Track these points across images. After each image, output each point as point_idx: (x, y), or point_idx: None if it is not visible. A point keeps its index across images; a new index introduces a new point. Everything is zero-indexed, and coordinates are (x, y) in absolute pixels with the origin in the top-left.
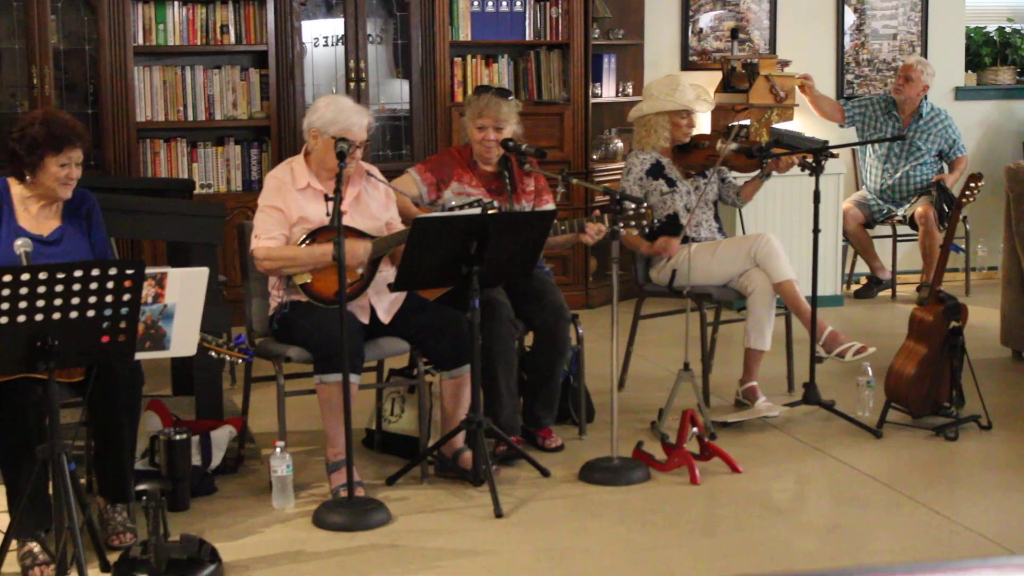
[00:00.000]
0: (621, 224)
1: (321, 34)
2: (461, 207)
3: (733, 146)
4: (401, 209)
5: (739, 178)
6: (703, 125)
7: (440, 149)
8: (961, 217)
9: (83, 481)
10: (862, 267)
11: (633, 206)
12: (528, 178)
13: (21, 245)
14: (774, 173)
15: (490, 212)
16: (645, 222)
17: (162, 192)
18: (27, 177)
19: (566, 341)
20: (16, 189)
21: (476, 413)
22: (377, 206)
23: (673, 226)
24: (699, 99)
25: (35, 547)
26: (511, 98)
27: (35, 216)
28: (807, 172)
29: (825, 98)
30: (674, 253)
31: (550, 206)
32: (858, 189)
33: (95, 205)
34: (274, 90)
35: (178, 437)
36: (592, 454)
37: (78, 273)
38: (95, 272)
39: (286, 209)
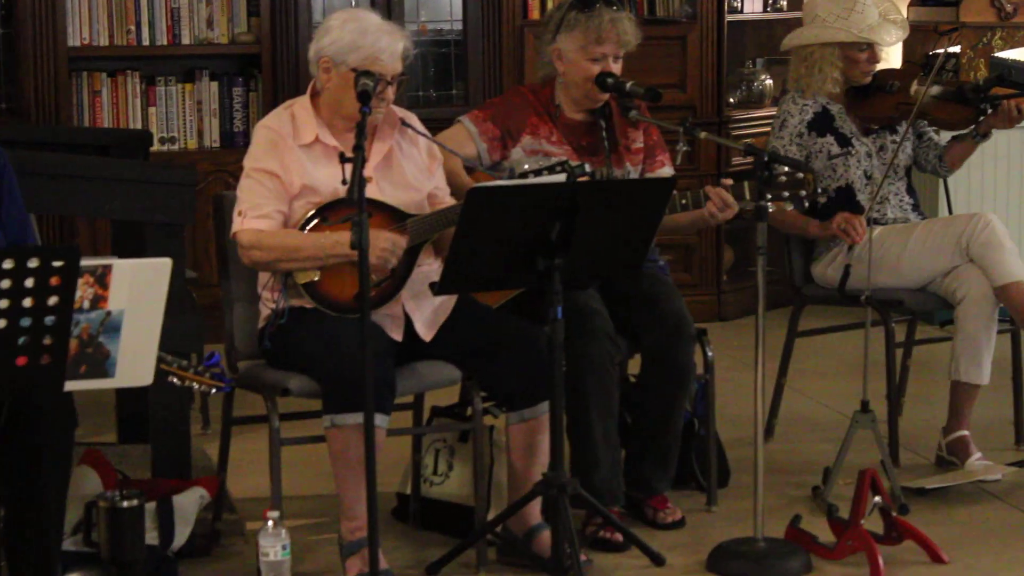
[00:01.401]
0: (769, 197)
1: None
2: (538, 172)
3: (936, 89)
4: (449, 176)
5: (944, 134)
6: (892, 57)
7: (506, 88)
8: None
9: None
10: None
11: (786, 171)
12: (635, 131)
13: None
14: (995, 130)
15: (580, 179)
16: (804, 192)
17: (105, 149)
18: None
19: (689, 369)
20: None
21: (559, 473)
22: (416, 170)
23: (847, 203)
24: (886, 23)
25: None
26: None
27: None
28: None
29: None
30: (861, 238)
31: (667, 170)
32: None
33: (6, 167)
34: (267, 3)
35: (126, 504)
36: (727, 534)
37: None
38: (7, 264)
39: (284, 174)
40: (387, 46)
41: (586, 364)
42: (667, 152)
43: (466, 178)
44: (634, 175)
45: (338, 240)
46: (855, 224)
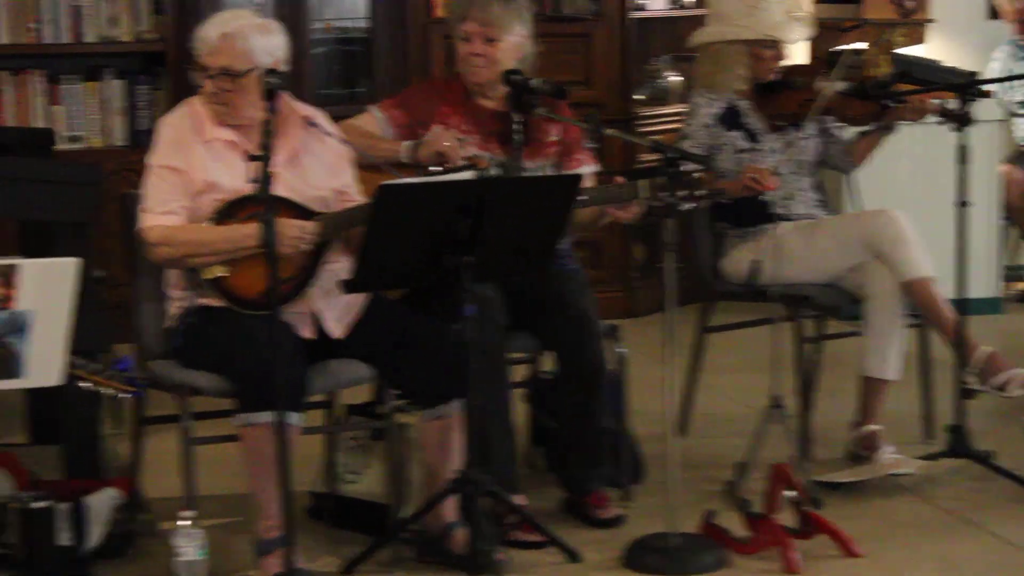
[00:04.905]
0: (668, 195)
1: None
2: (447, 171)
3: (840, 84)
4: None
5: (849, 130)
6: (798, 54)
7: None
8: None
9: None
10: None
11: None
12: (552, 125)
13: None
14: (900, 123)
15: (490, 174)
16: (700, 192)
17: (8, 148)
18: None
19: (599, 365)
20: None
21: (472, 470)
22: (323, 169)
23: (754, 199)
24: (791, 21)
25: None
26: None
27: None
28: (945, 122)
29: None
30: (773, 185)
31: (587, 168)
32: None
33: None
34: (172, 1)
35: (38, 505)
36: (642, 529)
37: None
38: None
39: (188, 170)
40: (201, 35)
41: (475, 352)
42: (586, 150)
43: (383, 147)
44: (548, 170)
45: (247, 232)
46: (764, 172)
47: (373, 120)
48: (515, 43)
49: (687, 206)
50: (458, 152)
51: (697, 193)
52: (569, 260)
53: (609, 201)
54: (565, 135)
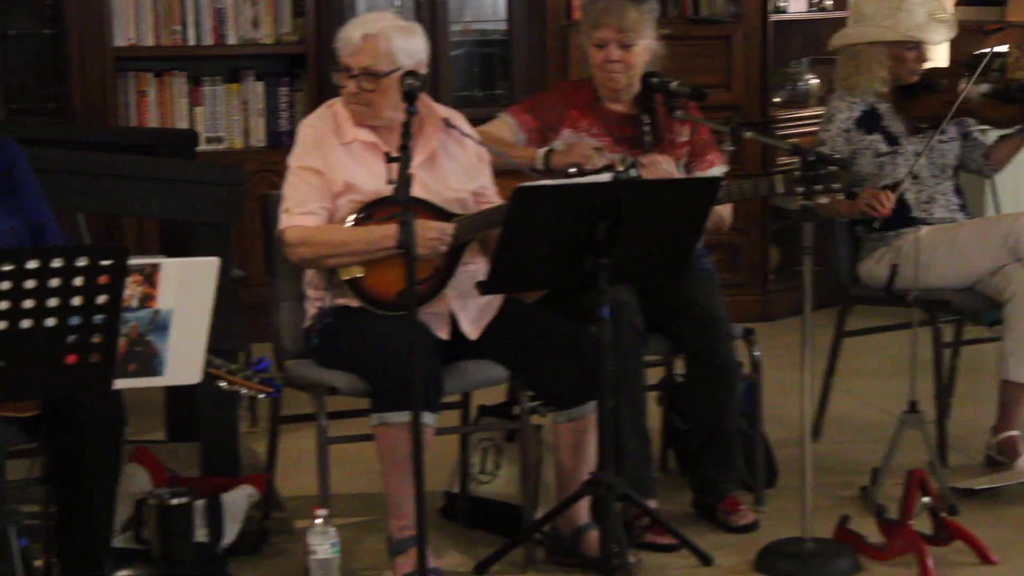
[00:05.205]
0: (803, 190)
1: None
2: (583, 174)
3: (983, 87)
4: (499, 162)
5: (990, 133)
6: (939, 56)
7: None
8: None
9: (39, 563)
10: None
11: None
12: (681, 125)
13: None
14: None
15: (629, 175)
16: (836, 187)
17: (150, 149)
18: None
19: (729, 367)
20: None
21: (606, 472)
22: (460, 170)
23: (895, 202)
24: (933, 22)
25: None
26: (646, 1)
27: None
28: None
29: None
30: (887, 211)
31: (718, 169)
32: None
33: (19, 157)
34: (312, 3)
35: (175, 501)
36: (775, 534)
37: (32, 264)
38: (56, 263)
39: (327, 171)
40: (343, 36)
41: (610, 354)
42: (717, 150)
43: (518, 153)
44: (678, 171)
45: (386, 233)
46: (880, 197)
47: (504, 126)
48: (648, 46)
49: (823, 200)
50: (593, 162)
51: (834, 187)
52: (702, 260)
53: (743, 197)
54: (695, 136)
